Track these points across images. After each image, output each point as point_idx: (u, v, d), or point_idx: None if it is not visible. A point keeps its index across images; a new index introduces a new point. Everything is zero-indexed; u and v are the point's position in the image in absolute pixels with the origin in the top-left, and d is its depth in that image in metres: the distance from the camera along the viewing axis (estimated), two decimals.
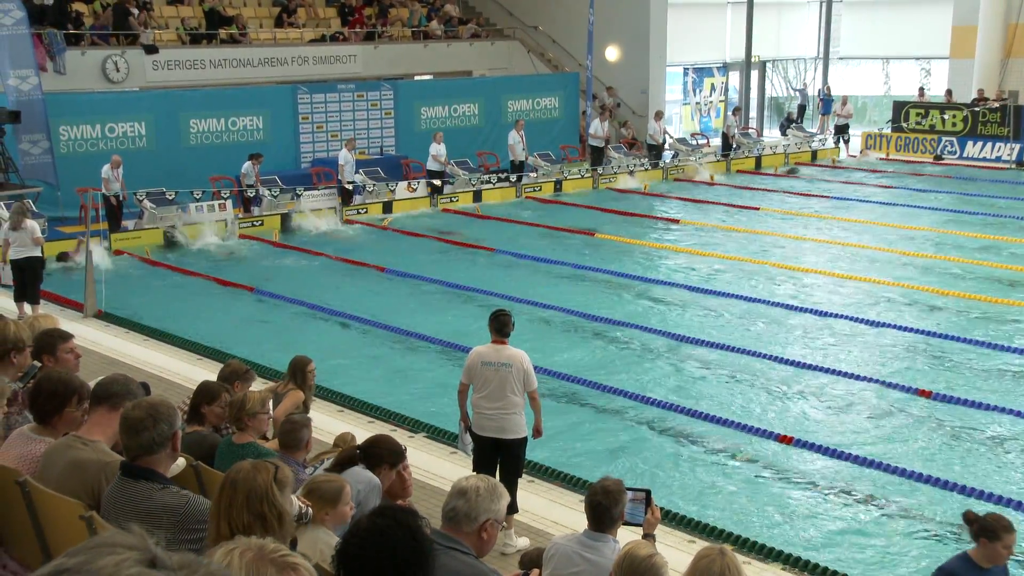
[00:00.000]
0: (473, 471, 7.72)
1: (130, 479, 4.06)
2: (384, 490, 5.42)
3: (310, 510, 4.71)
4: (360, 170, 22.86)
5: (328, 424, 9.39)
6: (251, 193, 20.90)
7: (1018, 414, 10.44)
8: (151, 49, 23.84)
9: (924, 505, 8.67)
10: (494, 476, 7.33)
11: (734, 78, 36.57)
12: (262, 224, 20.56)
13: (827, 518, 8.49)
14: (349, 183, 22.02)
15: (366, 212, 21.89)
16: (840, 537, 8.17)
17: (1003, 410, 10.53)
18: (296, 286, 16.08)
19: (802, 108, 35.21)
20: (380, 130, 26.09)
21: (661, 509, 5.84)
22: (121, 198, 19.34)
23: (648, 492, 5.40)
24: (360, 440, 5.91)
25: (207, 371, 10.40)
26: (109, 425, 4.53)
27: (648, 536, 5.32)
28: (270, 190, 21.18)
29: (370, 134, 25.85)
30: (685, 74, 35.57)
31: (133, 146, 21.86)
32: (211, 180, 21.29)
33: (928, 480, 8.95)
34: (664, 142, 27.85)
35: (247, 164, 21.00)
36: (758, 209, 22.33)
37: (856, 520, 8.47)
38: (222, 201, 20.41)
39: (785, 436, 9.89)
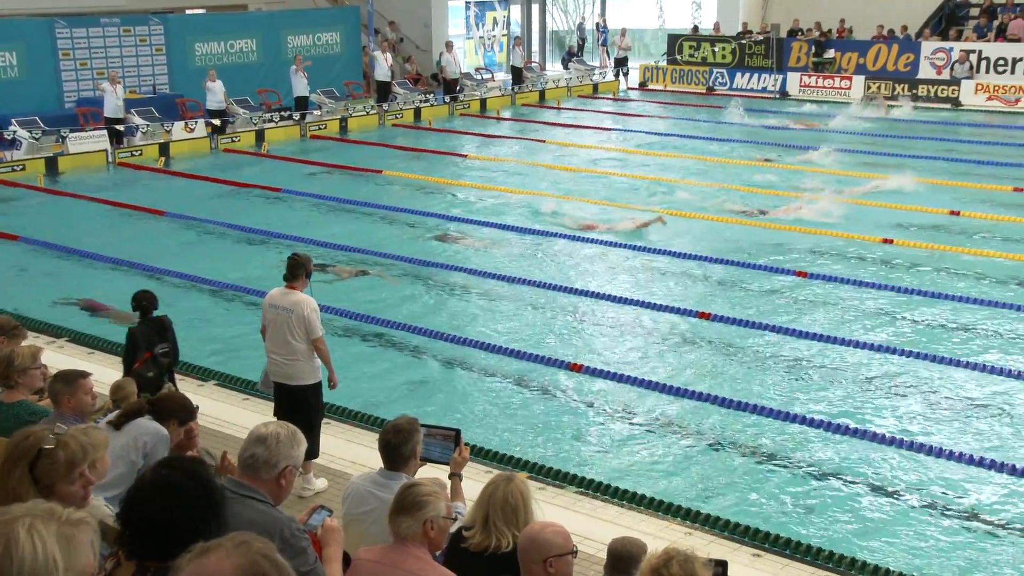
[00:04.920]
0: (274, 415, 7.59)
1: None
2: (172, 446, 5.27)
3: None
4: (132, 110, 21.65)
5: (110, 377, 8.94)
6: None
7: (786, 331, 11.18)
8: None
9: (694, 419, 9.17)
10: (290, 421, 7.21)
11: (516, 12, 36.76)
12: (24, 169, 19.19)
13: (614, 440, 8.86)
14: (111, 118, 20.81)
15: (141, 154, 20.80)
16: (627, 456, 8.55)
17: (774, 328, 11.25)
18: (67, 233, 15.13)
19: (582, 42, 35.86)
20: (152, 67, 24.73)
21: (469, 446, 5.91)
22: None
23: (458, 432, 5.46)
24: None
25: None
26: None
27: (455, 475, 5.38)
28: (31, 131, 19.76)
29: (140, 71, 24.46)
30: (467, 8, 35.45)
31: None
32: None
33: (697, 396, 9.46)
34: (458, 74, 27.78)
35: None
36: (543, 142, 22.72)
37: (640, 438, 8.86)
38: None
39: (575, 364, 10.21)
